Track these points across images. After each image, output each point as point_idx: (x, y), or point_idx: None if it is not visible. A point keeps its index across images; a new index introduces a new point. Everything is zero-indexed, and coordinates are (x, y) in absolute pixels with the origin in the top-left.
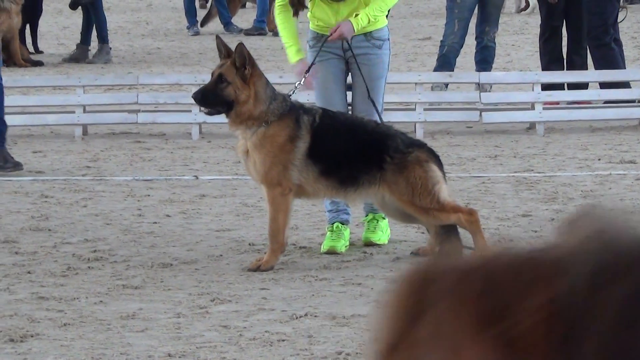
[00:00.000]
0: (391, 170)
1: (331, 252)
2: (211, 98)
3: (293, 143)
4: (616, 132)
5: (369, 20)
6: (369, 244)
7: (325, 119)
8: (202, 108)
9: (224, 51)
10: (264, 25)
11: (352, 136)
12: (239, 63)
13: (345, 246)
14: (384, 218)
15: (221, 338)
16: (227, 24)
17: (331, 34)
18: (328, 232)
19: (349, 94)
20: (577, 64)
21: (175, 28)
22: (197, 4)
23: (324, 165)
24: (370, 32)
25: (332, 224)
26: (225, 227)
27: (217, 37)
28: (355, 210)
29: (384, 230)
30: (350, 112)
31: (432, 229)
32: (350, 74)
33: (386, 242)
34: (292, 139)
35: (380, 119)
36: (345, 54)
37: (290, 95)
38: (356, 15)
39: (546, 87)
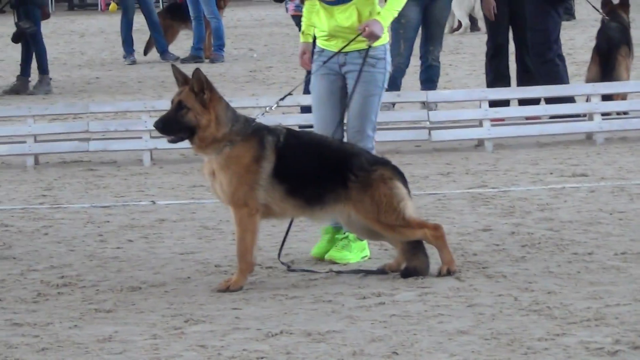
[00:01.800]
0: (356, 188)
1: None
2: (173, 125)
3: (258, 163)
4: (564, 146)
5: (393, 17)
6: (331, 261)
7: (289, 139)
8: (166, 136)
9: (181, 79)
10: (200, 53)
11: (317, 155)
12: (197, 88)
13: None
14: (356, 239)
15: (200, 357)
16: (164, 52)
17: (360, 33)
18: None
19: None
20: (526, 79)
21: (110, 58)
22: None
23: (290, 184)
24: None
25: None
26: (189, 250)
27: (173, 66)
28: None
29: (353, 251)
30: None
31: (398, 245)
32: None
33: (352, 261)
34: (257, 159)
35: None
36: (341, 69)
37: (259, 116)
38: (378, 13)
39: (492, 104)
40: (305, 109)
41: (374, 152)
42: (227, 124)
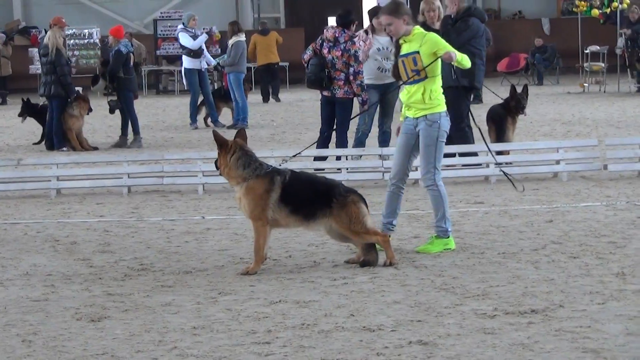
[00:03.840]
0: (336, 207)
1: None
2: (217, 166)
3: (268, 193)
4: (470, 184)
5: (462, 58)
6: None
7: (292, 177)
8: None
9: (218, 138)
10: (238, 122)
11: (311, 187)
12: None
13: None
14: (436, 237)
15: (227, 316)
16: (215, 122)
17: (443, 58)
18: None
19: None
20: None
21: (181, 125)
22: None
23: (293, 206)
24: (426, 115)
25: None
26: (224, 248)
27: (214, 131)
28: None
29: (435, 244)
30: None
31: (359, 245)
32: None
33: (433, 251)
34: (267, 190)
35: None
36: (415, 129)
37: (282, 164)
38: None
39: None
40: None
41: (437, 182)
42: (244, 167)
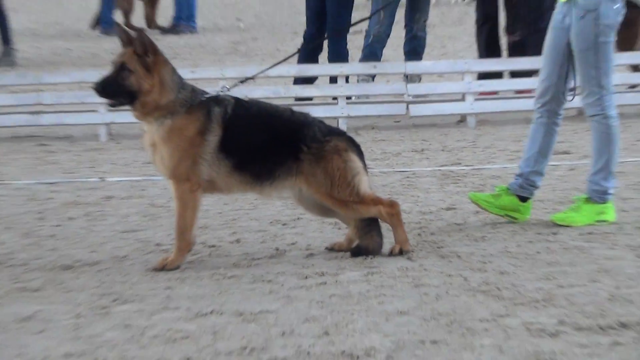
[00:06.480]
0: (308, 160)
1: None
2: (113, 88)
3: (203, 136)
4: None
5: None
6: (554, 223)
7: (237, 110)
8: (106, 100)
9: (126, 39)
10: (180, 22)
11: (267, 126)
12: (141, 50)
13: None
14: (587, 200)
15: (122, 337)
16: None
17: None
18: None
19: None
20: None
21: (87, 28)
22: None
23: (237, 158)
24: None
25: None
26: (131, 228)
27: (117, 24)
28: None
29: (582, 212)
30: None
31: (351, 222)
32: None
33: (579, 223)
34: (202, 131)
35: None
36: (564, 21)
37: (225, 90)
38: None
39: (483, 76)
40: (299, 80)
41: (607, 111)
42: (171, 90)
